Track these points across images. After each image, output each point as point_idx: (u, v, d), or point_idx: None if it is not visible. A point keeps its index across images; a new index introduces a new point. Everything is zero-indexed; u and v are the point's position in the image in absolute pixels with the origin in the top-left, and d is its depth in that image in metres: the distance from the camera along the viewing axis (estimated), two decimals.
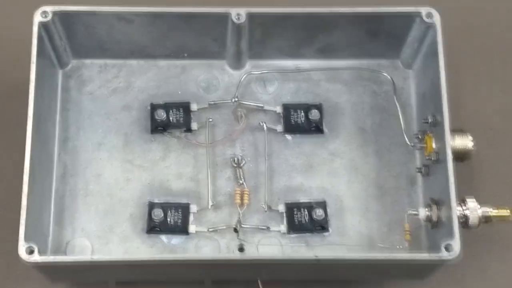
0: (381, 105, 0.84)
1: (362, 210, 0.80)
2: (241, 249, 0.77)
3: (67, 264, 0.71)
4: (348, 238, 0.79)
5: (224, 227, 0.78)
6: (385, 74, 0.84)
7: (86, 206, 0.79)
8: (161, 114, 0.81)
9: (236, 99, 0.81)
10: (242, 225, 0.78)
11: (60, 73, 0.84)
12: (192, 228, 0.78)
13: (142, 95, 0.83)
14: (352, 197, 0.80)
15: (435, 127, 0.76)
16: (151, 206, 0.79)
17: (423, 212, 0.76)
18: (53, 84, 0.81)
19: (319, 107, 0.82)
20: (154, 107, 0.81)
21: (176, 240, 0.79)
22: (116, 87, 0.84)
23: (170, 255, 0.76)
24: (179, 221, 0.79)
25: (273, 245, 0.78)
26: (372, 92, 0.85)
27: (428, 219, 0.75)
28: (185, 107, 0.82)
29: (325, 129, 0.83)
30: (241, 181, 0.80)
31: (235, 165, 0.81)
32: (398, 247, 0.77)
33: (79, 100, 0.83)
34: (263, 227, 0.79)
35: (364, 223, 0.80)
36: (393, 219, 0.79)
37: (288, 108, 0.82)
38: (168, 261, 0.71)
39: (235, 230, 0.77)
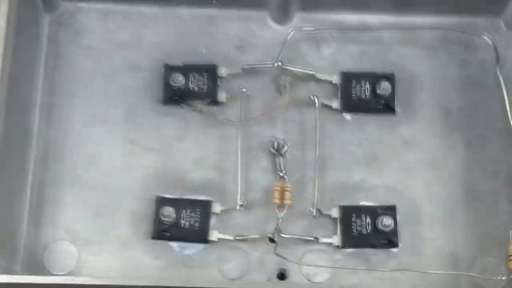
0: (474, 79, 0.72)
1: (444, 220, 0.69)
2: (281, 275, 0.66)
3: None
4: (424, 258, 0.67)
5: (257, 236, 0.66)
6: (484, 37, 0.71)
7: (72, 200, 0.68)
8: (178, 79, 0.69)
9: (280, 63, 0.70)
10: (282, 234, 0.66)
11: (46, 19, 0.72)
12: (213, 234, 0.67)
13: (155, 53, 0.72)
14: (431, 202, 0.69)
15: None
16: (160, 202, 0.67)
17: None
18: (36, 33, 0.71)
19: (390, 78, 0.70)
20: (169, 70, 0.70)
21: (191, 249, 0.67)
22: (120, 41, 0.72)
23: (183, 275, 0.65)
24: (197, 224, 0.67)
25: (322, 266, 0.67)
26: (462, 61, 0.73)
27: None
28: (210, 71, 0.70)
29: (397, 108, 0.71)
30: (281, 174, 0.68)
31: (275, 152, 0.69)
32: (499, 277, 0.64)
33: (71, 56, 0.72)
34: (310, 238, 0.67)
35: (447, 239, 0.68)
36: (488, 234, 0.68)
37: (348, 78, 0.71)
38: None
39: (272, 241, 0.66)
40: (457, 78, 0.72)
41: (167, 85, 0.70)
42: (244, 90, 0.70)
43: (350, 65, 0.72)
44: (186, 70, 0.70)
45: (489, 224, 0.68)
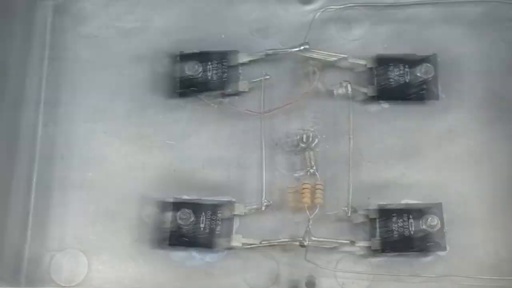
0: None
1: (496, 220, 0.65)
2: (310, 284, 0.63)
3: None
4: (474, 262, 0.64)
5: (285, 240, 0.63)
6: None
7: (81, 203, 0.66)
8: (194, 68, 0.67)
9: (306, 47, 0.66)
10: (313, 238, 0.63)
11: (50, 6, 0.70)
12: (236, 239, 0.64)
13: (167, 39, 0.69)
14: (481, 200, 0.65)
15: None
16: (177, 205, 0.64)
17: None
18: (36, 21, 0.69)
19: (432, 61, 0.67)
20: (183, 58, 0.68)
21: (212, 256, 0.64)
22: (128, 28, 0.70)
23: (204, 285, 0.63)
24: (217, 228, 0.64)
25: (358, 272, 0.63)
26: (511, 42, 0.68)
27: None
28: (229, 58, 0.68)
29: (441, 94, 0.67)
30: (311, 170, 0.65)
31: (304, 146, 0.66)
32: None
33: (74, 46, 0.70)
34: (345, 242, 0.64)
35: (500, 241, 0.64)
36: None
37: (384, 62, 0.67)
38: None
39: (302, 246, 0.63)
40: (506, 60, 0.69)
41: (182, 76, 0.67)
42: (267, 77, 0.67)
43: (385, 47, 0.69)
44: (203, 58, 0.68)
45: None
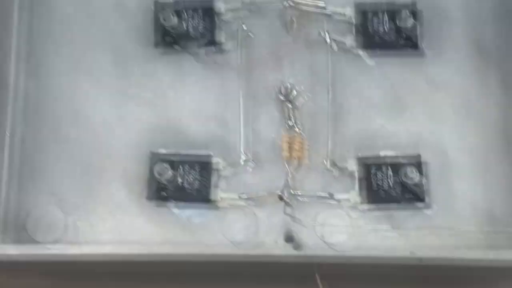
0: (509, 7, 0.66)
1: (479, 172, 0.65)
2: (288, 238, 0.62)
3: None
4: (456, 215, 0.63)
5: (264, 194, 0.63)
6: None
7: (58, 159, 0.65)
8: (170, 19, 0.65)
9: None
10: (293, 192, 0.63)
11: None
12: (216, 194, 0.63)
13: None
14: (463, 152, 0.65)
15: None
16: (155, 159, 0.64)
17: None
18: None
19: (414, 9, 0.65)
20: (160, 8, 0.66)
21: (192, 212, 0.64)
22: None
23: (183, 247, 0.62)
24: (197, 183, 0.64)
25: (338, 228, 0.63)
26: None
27: None
28: (206, 8, 0.66)
29: (423, 45, 0.66)
30: (290, 123, 0.65)
31: (283, 99, 0.66)
32: None
33: None
34: (324, 195, 0.63)
35: (482, 193, 0.64)
36: None
37: (364, 11, 0.66)
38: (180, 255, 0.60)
39: (281, 199, 0.63)
40: (492, 7, 0.67)
41: (158, 26, 0.66)
42: (245, 28, 0.66)
43: None
44: (179, 7, 0.66)
45: None
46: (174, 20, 0.65)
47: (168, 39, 0.66)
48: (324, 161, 0.64)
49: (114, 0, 0.68)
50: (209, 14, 0.66)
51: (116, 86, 0.66)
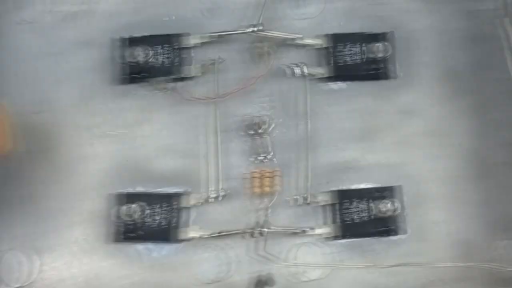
0: (482, 34, 0.66)
1: (453, 200, 0.64)
2: (259, 283, 0.60)
3: None
4: (430, 245, 0.63)
5: (236, 232, 0.61)
6: None
7: (20, 199, 0.63)
8: (137, 54, 0.64)
9: (260, 28, 0.63)
10: (264, 228, 0.61)
11: None
12: (186, 232, 0.61)
13: (111, 23, 0.66)
14: (435, 180, 0.64)
15: None
16: (122, 199, 0.62)
17: None
18: None
19: (387, 39, 0.64)
20: (132, 42, 0.64)
21: (161, 251, 0.62)
22: (71, 12, 0.67)
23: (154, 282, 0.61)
24: (165, 222, 0.62)
25: (311, 265, 0.61)
26: (467, 13, 0.67)
27: None
28: (175, 42, 0.64)
29: (399, 73, 0.65)
30: (262, 156, 0.63)
31: (255, 132, 0.64)
32: None
33: (12, 33, 0.66)
34: (297, 230, 0.62)
35: (456, 221, 0.63)
36: (503, 213, 0.63)
37: (337, 41, 0.65)
38: None
39: (253, 236, 0.61)
40: (462, 34, 0.67)
41: (125, 62, 0.65)
42: (221, 61, 0.64)
43: (340, 25, 0.67)
44: (147, 42, 0.65)
45: (503, 202, 0.63)
46: (140, 55, 0.64)
47: (134, 75, 0.64)
48: (297, 196, 0.62)
49: (81, 36, 0.66)
50: (176, 48, 0.65)
51: (82, 124, 0.65)
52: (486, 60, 0.66)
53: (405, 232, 0.62)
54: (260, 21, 0.64)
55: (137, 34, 0.65)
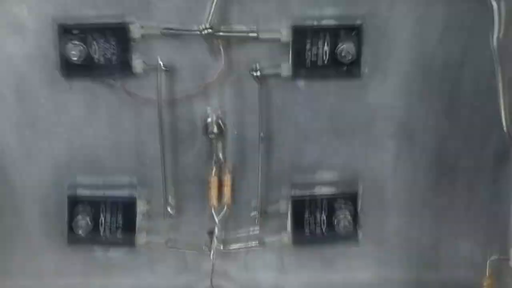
0: (459, 24, 0.59)
1: (415, 205, 0.63)
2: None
3: None
4: (388, 252, 0.63)
5: (189, 249, 0.63)
6: None
7: None
8: (76, 50, 0.57)
9: (209, 31, 0.57)
10: (217, 247, 0.62)
11: None
12: (141, 238, 0.62)
13: (46, 6, 0.58)
14: (400, 184, 0.63)
15: None
16: (73, 201, 0.61)
17: None
18: None
19: (357, 31, 0.58)
20: (63, 31, 0.57)
21: (116, 253, 0.63)
22: None
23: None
24: (120, 226, 0.62)
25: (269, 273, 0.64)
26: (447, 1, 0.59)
27: None
28: (119, 33, 0.57)
29: (364, 70, 0.59)
30: (218, 159, 0.61)
31: (210, 134, 0.60)
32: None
33: None
34: (252, 244, 0.63)
35: (417, 228, 0.63)
36: (469, 219, 0.63)
37: (301, 35, 0.58)
38: None
39: (209, 246, 0.62)
40: (440, 24, 0.60)
41: (62, 56, 0.58)
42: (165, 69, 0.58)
43: (303, 14, 0.59)
44: (86, 32, 0.58)
45: (469, 210, 0.63)
46: (81, 48, 0.57)
47: (76, 68, 0.58)
48: (254, 202, 0.61)
49: (11, 20, 0.58)
50: (122, 38, 0.58)
51: (21, 121, 0.60)
52: (463, 55, 0.60)
53: (357, 242, 0.62)
54: (212, 14, 0.57)
55: (74, 20, 0.57)
